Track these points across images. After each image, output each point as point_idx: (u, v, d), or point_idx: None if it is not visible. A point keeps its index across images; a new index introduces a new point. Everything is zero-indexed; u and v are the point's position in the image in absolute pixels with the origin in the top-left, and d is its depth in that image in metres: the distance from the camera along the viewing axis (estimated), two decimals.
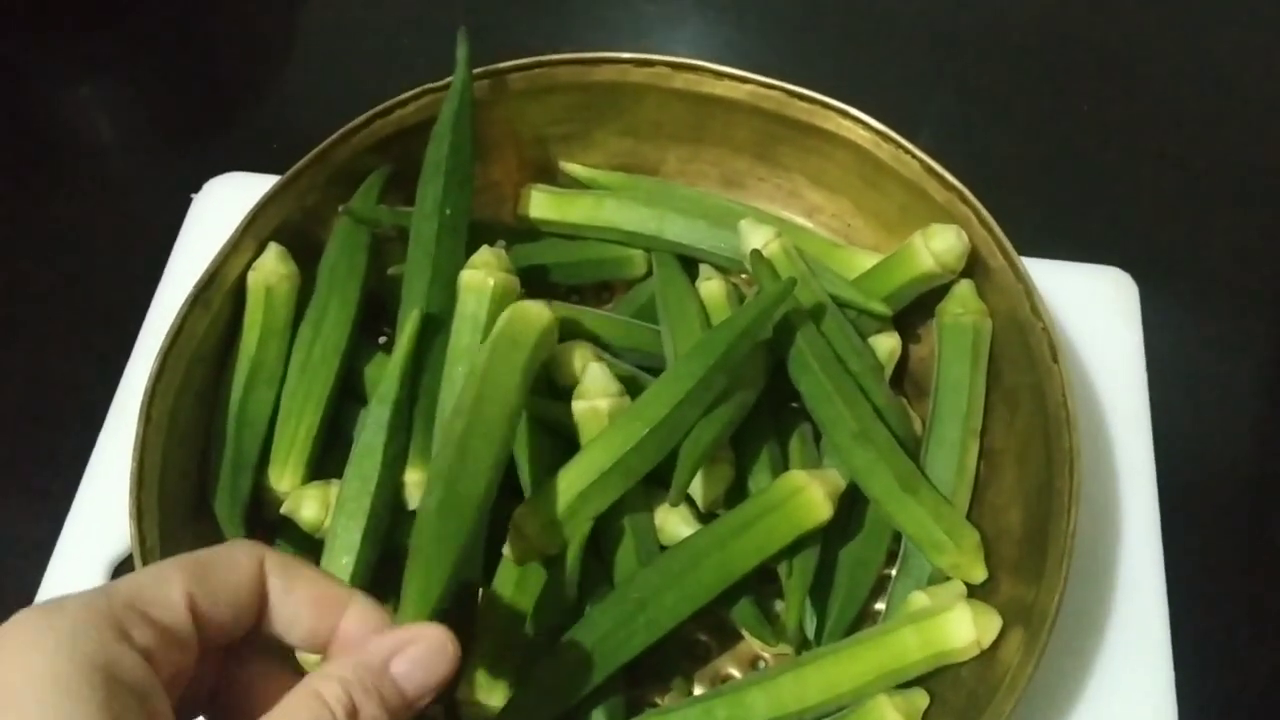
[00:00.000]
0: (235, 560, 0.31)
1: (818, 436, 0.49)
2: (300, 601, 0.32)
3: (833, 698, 0.42)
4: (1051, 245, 0.56)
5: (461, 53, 0.50)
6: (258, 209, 0.49)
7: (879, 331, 0.51)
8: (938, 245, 0.48)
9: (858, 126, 0.51)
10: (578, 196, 0.55)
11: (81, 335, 0.62)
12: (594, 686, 0.42)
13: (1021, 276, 0.46)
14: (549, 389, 0.48)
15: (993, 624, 0.42)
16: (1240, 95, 0.71)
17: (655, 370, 0.48)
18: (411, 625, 0.32)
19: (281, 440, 0.47)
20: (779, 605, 0.47)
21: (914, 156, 0.49)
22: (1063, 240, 0.58)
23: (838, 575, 0.46)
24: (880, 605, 0.47)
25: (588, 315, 0.50)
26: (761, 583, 0.46)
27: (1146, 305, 0.56)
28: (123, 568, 0.50)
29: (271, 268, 0.49)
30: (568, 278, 0.55)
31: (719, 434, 0.44)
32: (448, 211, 0.49)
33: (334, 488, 0.46)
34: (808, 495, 0.44)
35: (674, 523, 0.46)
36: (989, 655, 0.42)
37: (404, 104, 0.51)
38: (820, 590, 0.46)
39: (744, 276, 0.54)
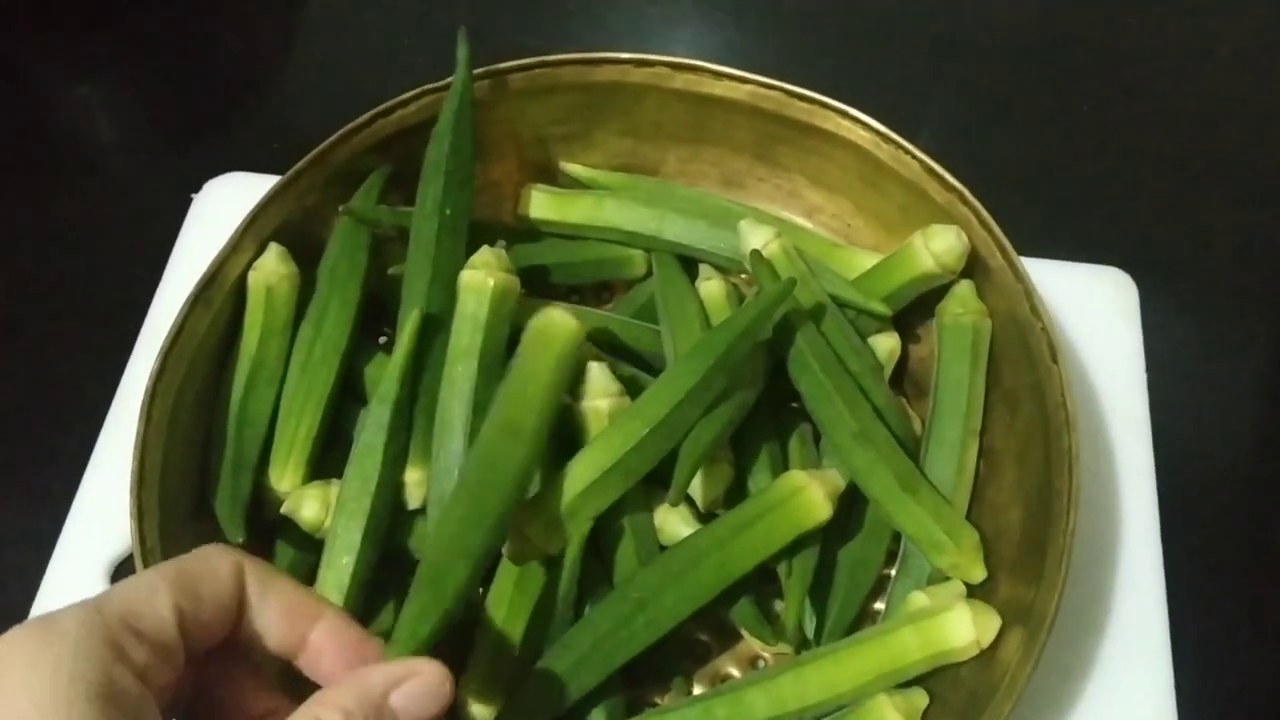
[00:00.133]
0: (217, 570, 0.31)
1: (817, 437, 0.49)
2: (275, 610, 0.32)
3: (833, 697, 0.42)
4: (1051, 245, 0.56)
5: (462, 53, 0.50)
6: (258, 209, 0.49)
7: (879, 331, 0.51)
8: (938, 245, 0.48)
9: (857, 127, 0.51)
10: (578, 196, 0.55)
11: (82, 335, 0.62)
12: (594, 686, 0.42)
13: (1021, 277, 0.46)
14: None
15: (992, 624, 0.42)
16: (1240, 95, 0.71)
17: (655, 371, 0.48)
18: (411, 660, 0.33)
19: (282, 440, 0.47)
20: (779, 605, 0.47)
21: (914, 157, 0.49)
22: (1062, 240, 0.58)
23: (837, 575, 0.46)
24: (880, 605, 0.47)
25: (588, 315, 0.50)
26: (761, 582, 0.46)
27: (1146, 305, 0.56)
28: (123, 567, 0.50)
29: (272, 267, 0.49)
30: (568, 278, 0.55)
31: (719, 434, 0.44)
32: (448, 211, 0.49)
33: (334, 487, 0.46)
34: (807, 495, 0.44)
35: (674, 523, 0.46)
36: (988, 655, 0.42)
37: (405, 104, 0.51)
38: (820, 590, 0.46)
39: (744, 276, 0.54)
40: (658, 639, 0.42)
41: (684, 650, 0.47)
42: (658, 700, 0.46)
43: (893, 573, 0.47)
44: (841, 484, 0.45)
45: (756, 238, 0.49)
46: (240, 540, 0.44)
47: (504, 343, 0.47)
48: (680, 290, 0.52)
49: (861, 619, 0.47)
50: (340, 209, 0.50)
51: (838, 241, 0.54)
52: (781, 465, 0.47)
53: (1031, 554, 0.43)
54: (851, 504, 0.47)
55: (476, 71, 0.51)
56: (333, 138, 0.50)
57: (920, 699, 0.42)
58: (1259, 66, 0.72)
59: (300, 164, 0.50)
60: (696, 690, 0.46)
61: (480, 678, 0.43)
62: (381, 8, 0.77)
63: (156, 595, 0.29)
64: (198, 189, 0.61)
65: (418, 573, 0.39)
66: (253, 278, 0.48)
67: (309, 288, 0.50)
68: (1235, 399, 0.59)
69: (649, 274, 0.54)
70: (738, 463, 0.47)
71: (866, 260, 0.52)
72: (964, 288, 0.49)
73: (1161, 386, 0.54)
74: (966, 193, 0.48)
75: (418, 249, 0.49)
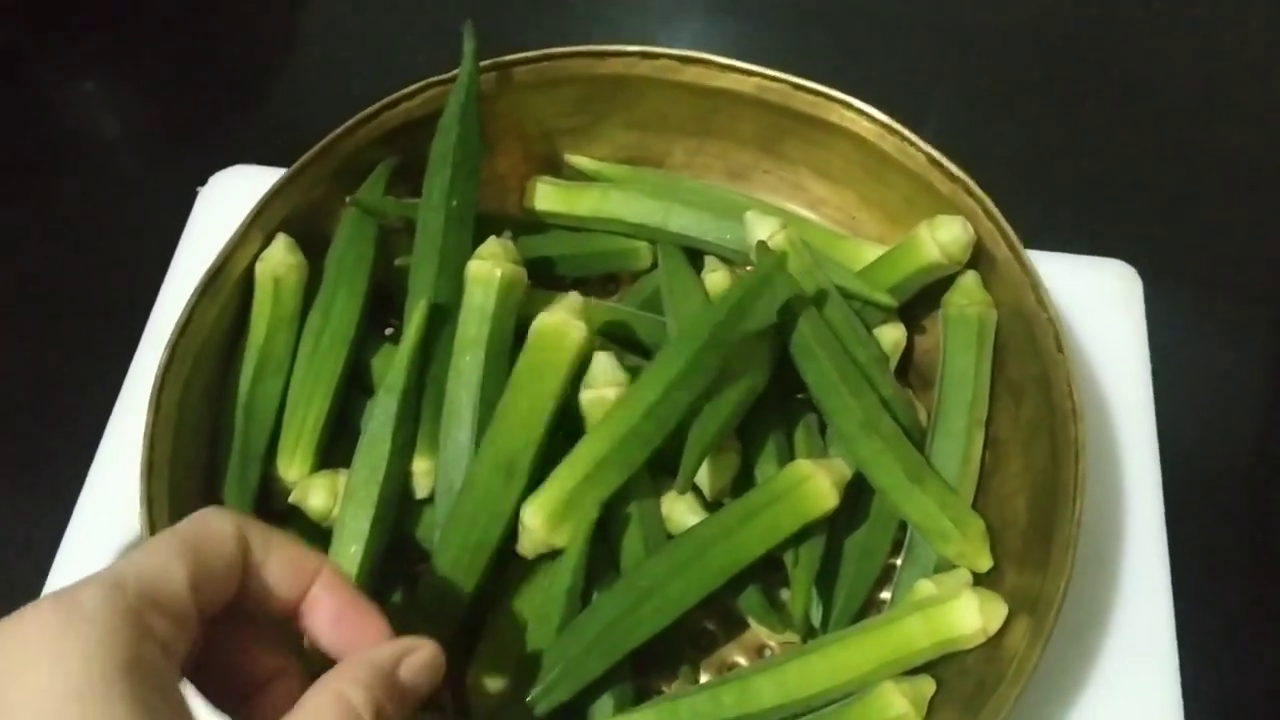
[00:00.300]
0: (222, 534, 0.31)
1: (823, 427, 0.49)
2: (278, 567, 0.33)
3: (839, 684, 0.42)
4: (1054, 238, 0.56)
5: (469, 45, 0.51)
6: (265, 200, 0.49)
7: (884, 323, 0.51)
8: (943, 236, 0.48)
9: (862, 119, 0.51)
10: (583, 189, 0.55)
11: (87, 330, 0.62)
12: (601, 673, 0.42)
13: (1026, 267, 0.46)
14: None
15: (999, 611, 0.42)
16: (1245, 89, 0.71)
17: None
18: (410, 638, 0.34)
19: (289, 429, 0.47)
20: (785, 594, 0.47)
21: (919, 149, 0.49)
22: (1066, 234, 0.58)
23: (843, 564, 0.47)
24: (886, 594, 0.48)
25: (594, 307, 0.51)
26: (768, 571, 0.46)
27: (1150, 298, 0.56)
28: None
29: (279, 258, 0.49)
30: (573, 270, 0.55)
31: (725, 422, 0.44)
32: (454, 203, 0.49)
33: (342, 477, 0.46)
34: (814, 484, 0.44)
35: (680, 512, 0.46)
36: (995, 643, 0.42)
37: (411, 96, 0.51)
38: (826, 579, 0.46)
39: (749, 269, 0.54)
40: (665, 626, 0.42)
41: (690, 639, 0.47)
42: (664, 688, 0.46)
43: (899, 562, 0.47)
44: (848, 473, 0.45)
45: (762, 229, 0.50)
46: None
47: (511, 333, 0.47)
48: (686, 282, 0.52)
49: (867, 608, 0.47)
50: (347, 200, 0.50)
51: (843, 233, 0.54)
52: (788, 455, 0.47)
53: (1037, 543, 0.43)
54: (858, 494, 0.47)
55: (482, 64, 0.51)
56: (339, 130, 0.50)
57: (927, 686, 0.42)
58: (1265, 60, 0.72)
59: (307, 155, 0.50)
60: (703, 679, 0.46)
61: (489, 664, 0.43)
62: (386, 2, 0.77)
63: (171, 566, 0.29)
64: (203, 183, 0.61)
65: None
66: (260, 268, 0.49)
67: (316, 279, 0.50)
68: (1239, 391, 0.59)
69: (654, 266, 0.55)
70: (744, 452, 0.47)
71: (871, 252, 0.52)
72: (969, 279, 0.49)
73: (1165, 378, 0.54)
74: (972, 184, 0.48)
75: (424, 240, 0.49)
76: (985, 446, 0.48)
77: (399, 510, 0.46)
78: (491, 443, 0.44)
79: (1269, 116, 0.69)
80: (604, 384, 0.46)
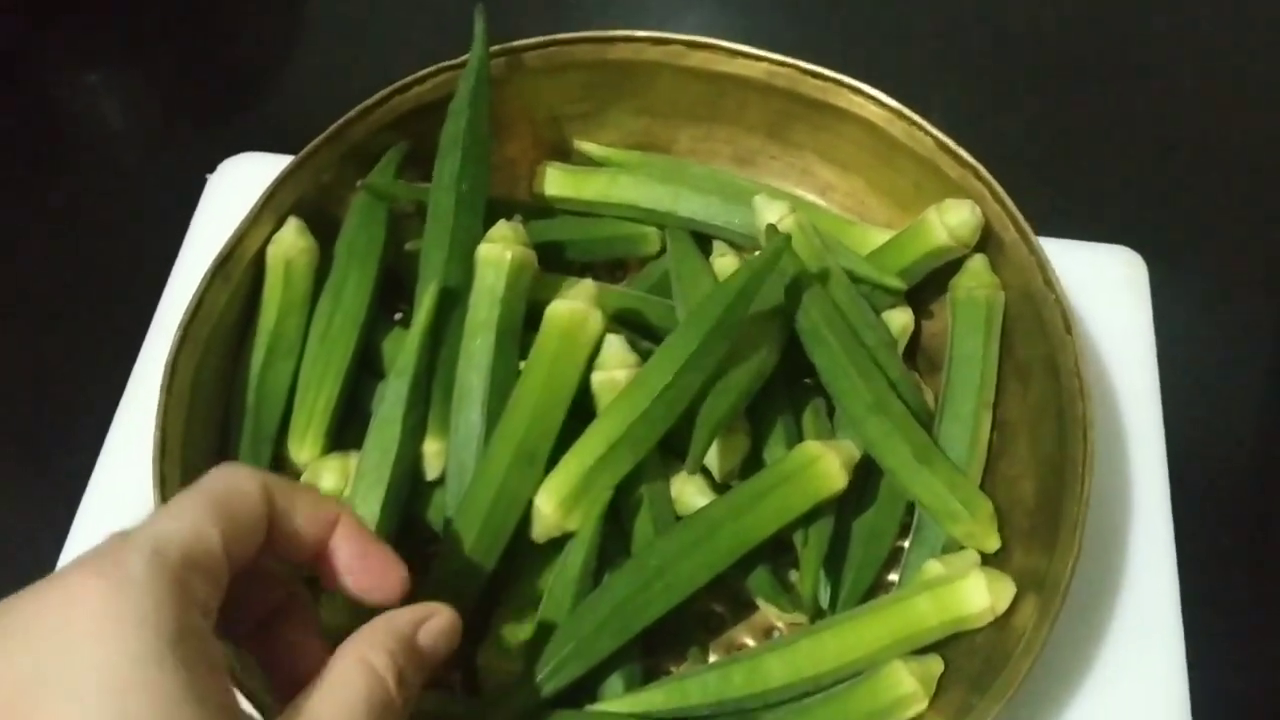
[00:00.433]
0: (247, 492, 0.32)
1: (831, 412, 0.50)
2: (300, 520, 0.33)
3: (849, 663, 0.42)
4: (1061, 226, 0.56)
5: (479, 29, 0.51)
6: (276, 184, 0.49)
7: (892, 307, 0.51)
8: (952, 219, 0.48)
9: (870, 103, 0.51)
10: (592, 173, 0.55)
11: (96, 318, 0.62)
12: (612, 652, 0.42)
13: (1035, 250, 0.47)
14: None
15: (1007, 590, 0.42)
16: (1251, 77, 0.71)
17: None
18: (429, 603, 0.35)
19: (300, 412, 0.47)
20: (794, 576, 0.47)
21: (927, 133, 0.50)
22: (1071, 221, 0.58)
23: (852, 546, 0.47)
24: (894, 576, 0.48)
25: (605, 292, 0.51)
26: (776, 554, 0.46)
27: (1156, 285, 0.57)
28: None
29: (290, 241, 0.49)
30: (582, 255, 0.55)
31: (734, 404, 0.44)
32: (465, 186, 0.49)
33: (353, 459, 0.46)
34: (823, 465, 0.44)
35: (690, 493, 0.46)
36: (1003, 622, 0.42)
37: (421, 80, 0.51)
38: (835, 561, 0.46)
39: (758, 253, 0.54)
40: (675, 605, 0.42)
41: (699, 621, 0.47)
42: (673, 669, 0.46)
43: (907, 544, 0.48)
44: (856, 454, 0.45)
45: (771, 212, 0.50)
46: None
47: (521, 316, 0.48)
48: (694, 267, 0.52)
49: (876, 589, 0.47)
50: (358, 184, 0.50)
51: (851, 219, 0.54)
52: (796, 437, 0.48)
53: (1045, 523, 0.43)
54: (866, 476, 0.47)
55: (492, 49, 0.52)
56: (350, 114, 0.51)
57: (936, 665, 0.43)
58: (1273, 48, 0.72)
59: (318, 140, 0.50)
60: (712, 660, 0.46)
61: (499, 644, 0.43)
62: None
63: (206, 529, 0.30)
64: (212, 171, 0.61)
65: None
66: (271, 252, 0.49)
67: (326, 263, 0.50)
68: (1244, 377, 0.60)
69: (663, 251, 0.55)
70: (753, 435, 0.47)
71: (880, 237, 0.52)
72: (977, 262, 0.49)
73: (1171, 364, 0.54)
74: (980, 168, 0.48)
75: (435, 223, 0.49)
76: (993, 429, 0.48)
77: (409, 491, 0.46)
78: (508, 429, 0.44)
79: (1274, 104, 0.70)
80: (615, 366, 0.46)
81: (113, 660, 0.26)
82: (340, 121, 0.50)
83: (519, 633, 0.43)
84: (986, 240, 0.49)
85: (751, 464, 0.47)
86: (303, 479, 0.46)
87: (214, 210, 0.59)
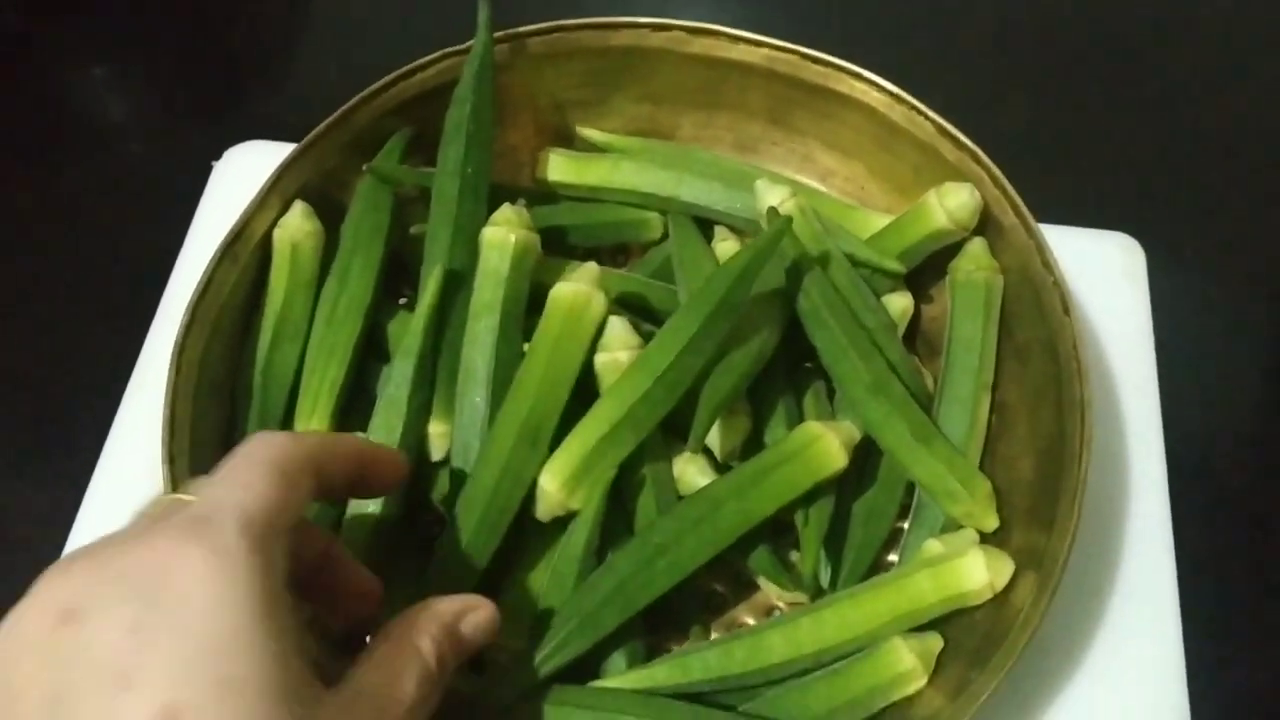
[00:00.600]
0: (297, 456, 0.33)
1: (831, 395, 0.50)
2: (338, 471, 0.35)
3: (849, 639, 0.43)
4: (1058, 213, 0.57)
5: (483, 15, 0.51)
6: (283, 167, 0.50)
7: (892, 291, 0.51)
8: (951, 202, 0.49)
9: (871, 89, 0.52)
10: (595, 159, 0.56)
11: (102, 306, 0.62)
12: (615, 629, 0.43)
13: (1033, 233, 0.47)
14: None
15: (1006, 568, 0.43)
16: (1249, 65, 0.71)
17: None
18: (469, 595, 0.37)
19: (307, 393, 0.48)
20: (795, 557, 0.48)
21: (927, 118, 0.50)
22: (1070, 207, 0.58)
23: (852, 526, 0.47)
24: (893, 557, 0.48)
25: (608, 275, 0.51)
26: (777, 535, 0.47)
27: (1153, 271, 0.57)
28: None
29: (297, 225, 0.49)
30: (585, 240, 0.55)
31: (736, 384, 0.45)
32: (469, 171, 0.50)
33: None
34: (824, 444, 0.45)
35: (692, 473, 0.47)
36: (1002, 599, 0.43)
37: (425, 66, 0.52)
38: (835, 541, 0.47)
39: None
40: (678, 582, 0.43)
41: (701, 601, 0.48)
42: (675, 648, 0.46)
43: (906, 525, 0.48)
44: (857, 434, 0.46)
45: (773, 196, 0.50)
46: None
47: (525, 298, 0.48)
48: (696, 251, 0.53)
49: (876, 570, 0.47)
50: (364, 167, 0.51)
51: (851, 204, 0.55)
52: (797, 418, 0.48)
53: (1043, 502, 0.44)
54: (866, 458, 0.48)
55: (496, 35, 0.52)
56: (355, 99, 0.51)
57: (935, 642, 0.43)
58: (1271, 36, 0.73)
59: (324, 124, 0.50)
60: (713, 638, 0.47)
61: (507, 619, 0.43)
62: None
63: (277, 496, 0.31)
64: (218, 158, 0.61)
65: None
66: (278, 234, 0.49)
67: (332, 247, 0.51)
68: (1240, 362, 0.60)
69: (665, 237, 0.55)
70: (754, 416, 0.48)
71: (880, 222, 0.52)
72: (976, 245, 0.50)
73: (1168, 349, 0.55)
74: (979, 152, 0.49)
75: (440, 207, 0.49)
76: (992, 410, 0.49)
77: (415, 472, 0.46)
78: (512, 410, 0.45)
79: (1271, 91, 0.70)
80: (618, 347, 0.46)
81: (213, 625, 0.27)
82: (345, 107, 0.51)
83: (524, 610, 0.44)
84: (985, 224, 0.50)
85: (753, 445, 0.48)
86: None
87: (220, 197, 0.59)
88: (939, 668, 0.43)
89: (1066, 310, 0.45)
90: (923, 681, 0.42)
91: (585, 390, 0.47)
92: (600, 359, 0.47)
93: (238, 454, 0.32)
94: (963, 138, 0.49)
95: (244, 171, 0.58)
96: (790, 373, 0.50)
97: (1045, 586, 0.40)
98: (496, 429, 0.45)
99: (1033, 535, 0.44)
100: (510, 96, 0.54)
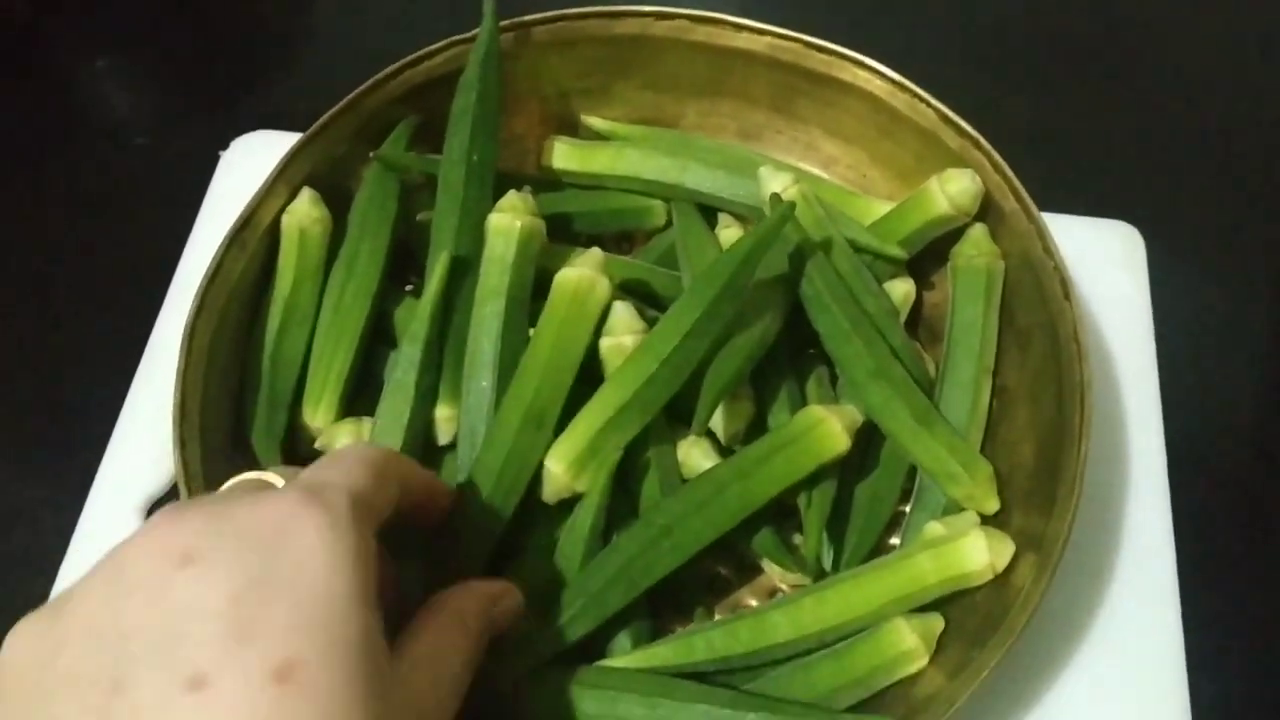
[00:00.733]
0: (389, 462, 0.36)
1: (834, 380, 0.51)
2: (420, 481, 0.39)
3: (851, 620, 0.43)
4: (1058, 201, 0.57)
5: (488, 4, 0.52)
6: (291, 154, 0.50)
7: (894, 277, 0.52)
8: (952, 188, 0.49)
9: (874, 77, 0.52)
10: (600, 146, 0.56)
11: (111, 296, 0.63)
12: (620, 609, 0.43)
13: (1034, 218, 0.48)
14: None
15: (1006, 549, 0.43)
16: (1251, 57, 0.72)
17: None
18: (504, 582, 0.40)
19: (315, 378, 0.48)
20: (797, 539, 0.48)
21: (929, 105, 0.51)
22: (1069, 196, 0.59)
23: (854, 510, 0.48)
24: (895, 540, 0.49)
25: (613, 261, 0.52)
26: (780, 519, 0.47)
27: (1152, 259, 0.57)
28: (157, 506, 0.51)
29: (305, 211, 0.50)
30: (589, 227, 0.56)
31: (739, 368, 0.45)
32: (475, 158, 0.50)
33: (366, 424, 0.47)
34: (827, 427, 0.45)
35: (696, 457, 0.47)
36: (1002, 580, 0.43)
37: (432, 55, 0.52)
38: (837, 524, 0.47)
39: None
40: (682, 563, 0.43)
41: (705, 583, 0.48)
42: (679, 629, 0.47)
43: (907, 509, 0.49)
44: (859, 418, 0.46)
45: (776, 182, 0.51)
46: None
47: (530, 283, 0.49)
48: (700, 239, 0.53)
49: (877, 552, 0.48)
50: (371, 155, 0.51)
51: (854, 191, 0.55)
52: (800, 403, 0.49)
53: (1044, 485, 0.44)
54: (868, 442, 0.48)
55: (501, 24, 0.52)
56: (363, 86, 0.51)
57: (936, 623, 0.44)
58: (1272, 26, 0.73)
59: (331, 111, 0.51)
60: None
61: None
62: None
63: (374, 487, 0.33)
64: (225, 148, 0.62)
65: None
66: (286, 221, 0.50)
67: (340, 234, 0.51)
68: (1239, 350, 0.60)
69: (669, 224, 0.56)
70: (758, 400, 0.48)
71: (882, 209, 0.53)
72: (977, 231, 0.50)
73: (1167, 337, 0.55)
74: (980, 138, 0.49)
75: (446, 194, 0.50)
76: (993, 395, 0.49)
77: (422, 456, 0.47)
78: (517, 394, 0.45)
79: (1270, 82, 0.70)
80: (623, 332, 0.47)
81: (327, 588, 0.28)
82: (352, 94, 0.51)
83: (530, 591, 0.44)
84: (986, 210, 0.50)
85: (756, 429, 0.48)
86: (318, 443, 0.47)
87: (228, 186, 0.60)
88: (940, 648, 0.43)
89: (1067, 295, 0.45)
90: (924, 661, 0.43)
91: (590, 374, 0.47)
92: (605, 343, 0.47)
93: (334, 451, 0.35)
94: (964, 124, 0.50)
95: (251, 160, 0.59)
96: (793, 357, 0.50)
97: (1045, 568, 0.41)
98: (502, 413, 0.45)
99: (1033, 517, 0.44)
100: (516, 85, 0.54)
